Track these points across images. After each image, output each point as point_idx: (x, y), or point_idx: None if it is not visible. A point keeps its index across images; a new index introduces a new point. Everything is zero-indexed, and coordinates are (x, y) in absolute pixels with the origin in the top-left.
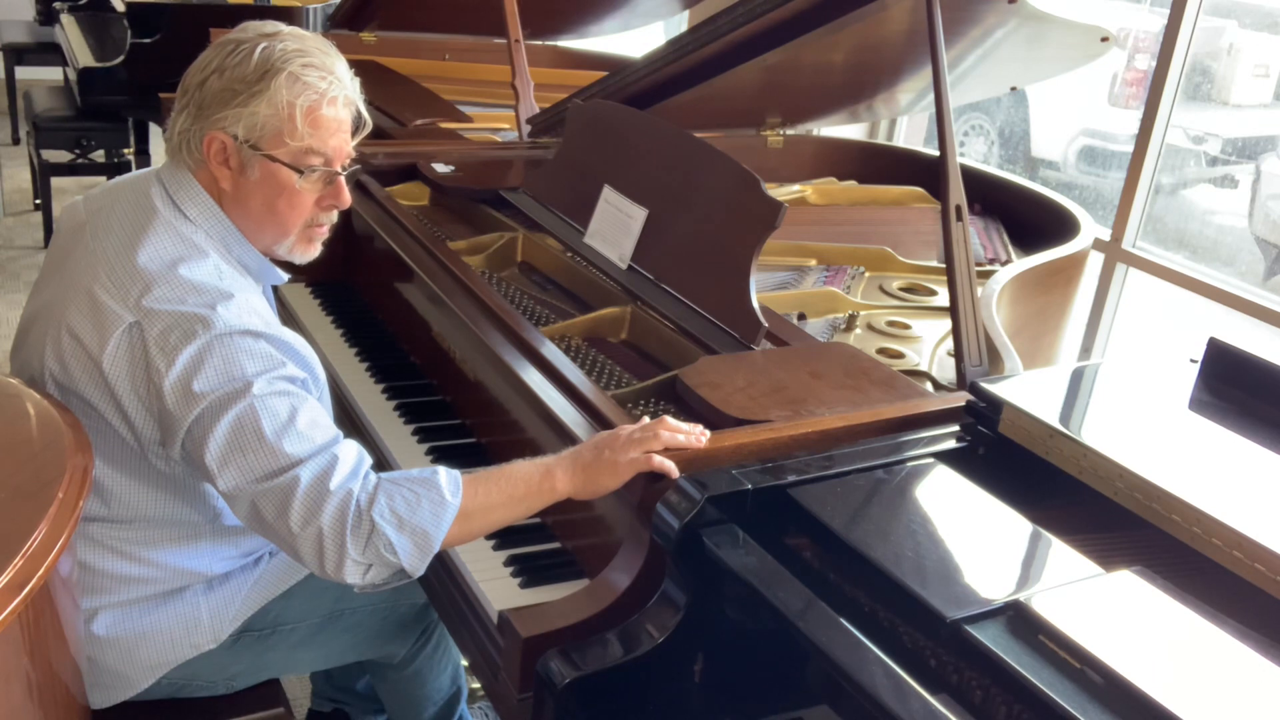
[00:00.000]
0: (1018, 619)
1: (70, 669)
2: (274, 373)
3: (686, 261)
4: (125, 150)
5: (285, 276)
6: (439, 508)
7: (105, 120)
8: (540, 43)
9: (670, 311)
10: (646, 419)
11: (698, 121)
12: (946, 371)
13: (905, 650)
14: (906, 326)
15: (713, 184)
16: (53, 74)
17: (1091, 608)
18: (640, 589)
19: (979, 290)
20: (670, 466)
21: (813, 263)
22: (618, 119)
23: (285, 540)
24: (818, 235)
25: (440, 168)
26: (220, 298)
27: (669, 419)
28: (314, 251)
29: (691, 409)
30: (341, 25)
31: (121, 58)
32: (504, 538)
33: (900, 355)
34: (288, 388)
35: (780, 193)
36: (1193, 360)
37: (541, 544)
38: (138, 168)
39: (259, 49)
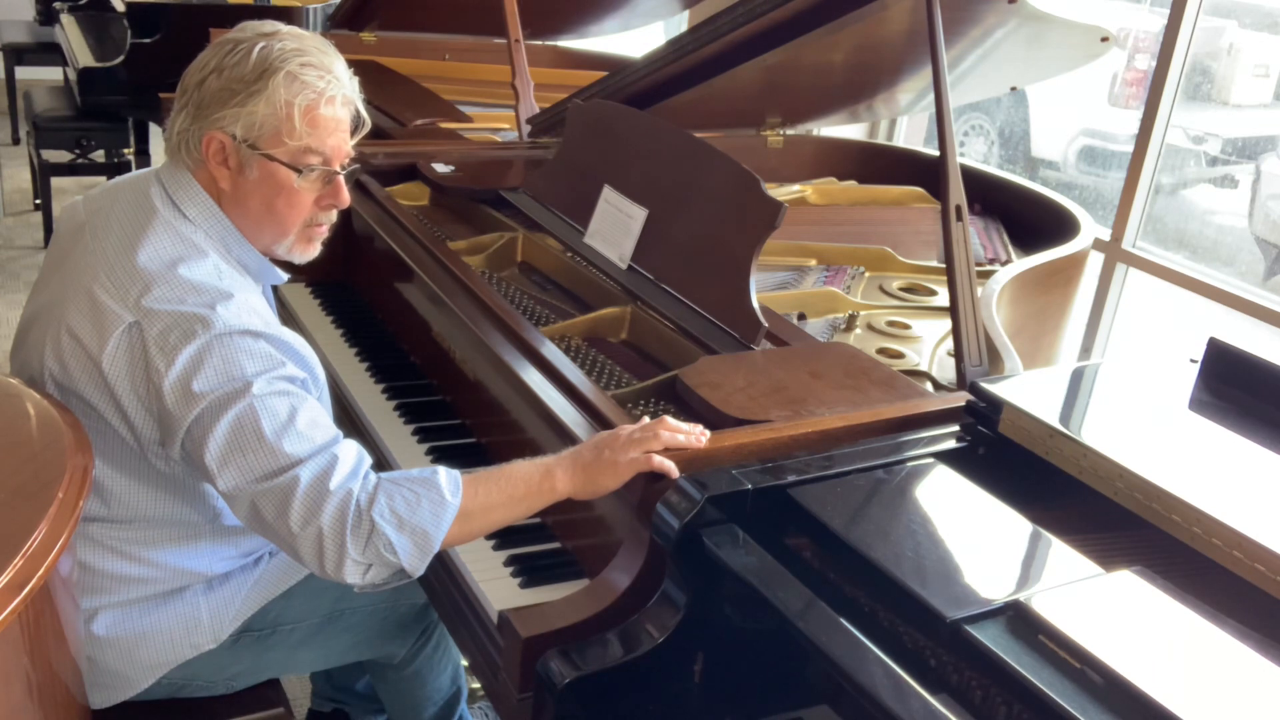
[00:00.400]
0: (1018, 619)
1: (70, 669)
2: (274, 373)
3: (686, 261)
4: (125, 150)
5: (285, 276)
6: (439, 508)
7: (105, 120)
8: (540, 43)
9: (670, 311)
10: (646, 419)
11: (698, 121)
12: (946, 371)
13: (905, 650)
14: (906, 326)
15: (713, 184)
16: (53, 74)
17: (1091, 608)
18: (640, 589)
19: (979, 290)
20: (670, 466)
21: (813, 263)
22: (618, 119)
23: (285, 540)
24: (818, 235)
25: (440, 168)
26: (220, 297)
27: (669, 419)
28: (313, 251)
29: (691, 409)
30: (341, 25)
31: (121, 58)
32: (504, 538)
33: (900, 355)
34: (287, 388)
35: (780, 193)
36: (1193, 360)
37: (541, 544)
38: (138, 168)
39: (257, 48)
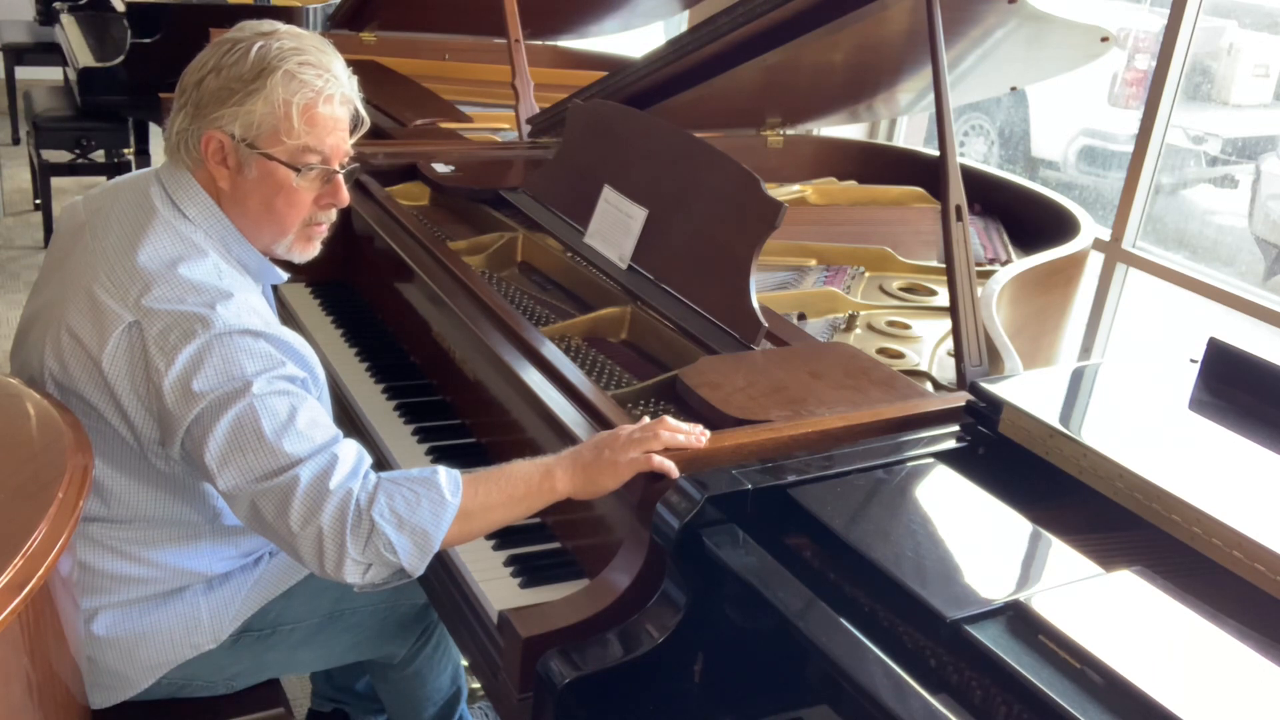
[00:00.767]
0: (1018, 619)
1: (70, 669)
2: (273, 372)
3: (686, 261)
4: (125, 150)
5: (285, 276)
6: (439, 507)
7: (105, 120)
8: (540, 43)
9: (670, 311)
10: (646, 419)
11: (698, 121)
12: (946, 371)
13: (905, 650)
14: (906, 326)
15: (713, 184)
16: (53, 74)
17: (1091, 608)
18: (640, 589)
19: (979, 290)
20: (670, 466)
21: (813, 263)
22: (618, 119)
23: (285, 540)
24: (818, 235)
25: (440, 168)
26: (220, 297)
27: (669, 419)
28: (313, 251)
29: (691, 409)
30: (341, 25)
31: (121, 58)
32: (504, 538)
33: (900, 355)
34: (287, 387)
35: (780, 193)
36: (1193, 360)
37: (541, 544)
38: (138, 168)
39: (255, 48)
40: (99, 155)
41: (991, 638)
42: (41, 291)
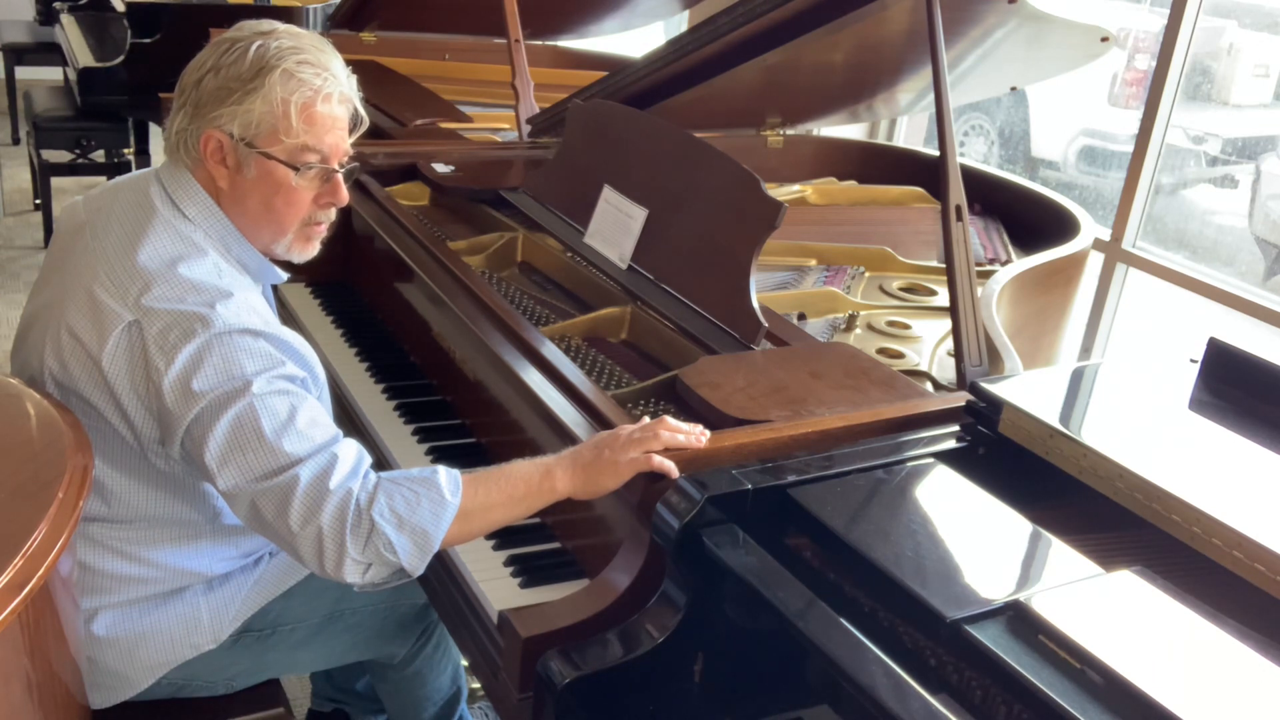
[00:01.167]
0: (1018, 619)
1: (70, 669)
2: (273, 372)
3: (686, 261)
4: (125, 150)
5: (284, 276)
6: (439, 507)
7: (105, 120)
8: (540, 43)
9: (670, 311)
10: (646, 419)
11: (698, 121)
12: (946, 371)
13: (905, 650)
14: (906, 326)
15: (713, 184)
16: (53, 74)
17: (1091, 608)
18: (640, 589)
19: (979, 290)
20: (670, 466)
21: (813, 263)
22: (618, 119)
23: (285, 539)
24: (818, 235)
25: (440, 168)
26: (219, 296)
27: (669, 419)
28: (312, 250)
29: (691, 409)
30: (341, 25)
31: (121, 58)
32: (504, 538)
33: (900, 355)
34: (287, 387)
35: (780, 193)
36: (1193, 360)
37: (541, 544)
38: (138, 168)
39: (254, 47)
40: (99, 155)
41: (991, 638)
42: (41, 291)
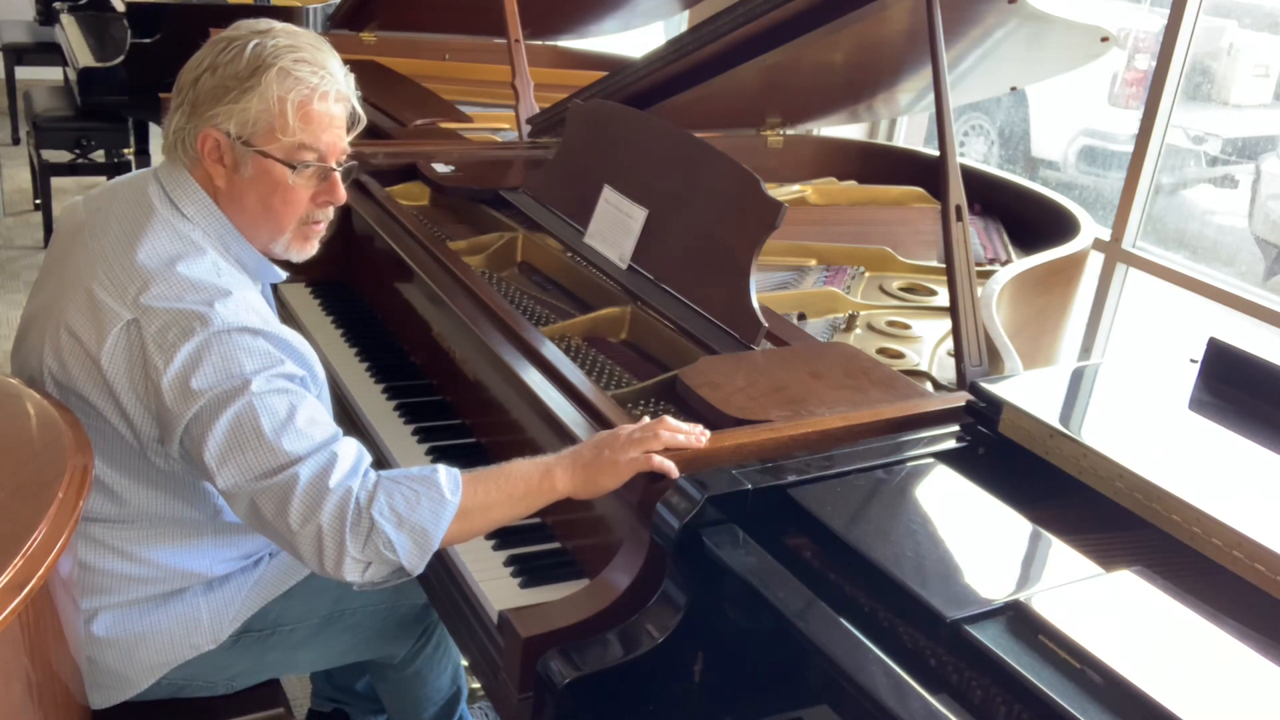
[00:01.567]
0: (1018, 619)
1: (70, 669)
2: (272, 370)
3: (686, 261)
4: (125, 150)
5: (283, 274)
6: (438, 506)
7: (105, 120)
8: (540, 43)
9: (670, 311)
10: (646, 419)
11: (698, 121)
12: (946, 371)
13: (905, 650)
14: (906, 326)
15: (713, 184)
16: (53, 74)
17: (1091, 608)
18: (640, 589)
19: (979, 290)
20: (670, 466)
21: (813, 263)
22: (618, 119)
23: (284, 538)
24: (818, 235)
25: (440, 168)
26: (218, 295)
27: (669, 419)
28: (310, 249)
29: (691, 409)
30: (341, 25)
31: (121, 58)
32: (504, 538)
33: (900, 355)
34: (286, 385)
35: (780, 193)
36: (1193, 360)
37: (541, 544)
38: (138, 168)
39: (251, 45)
40: (99, 155)
41: (991, 638)
42: (41, 291)
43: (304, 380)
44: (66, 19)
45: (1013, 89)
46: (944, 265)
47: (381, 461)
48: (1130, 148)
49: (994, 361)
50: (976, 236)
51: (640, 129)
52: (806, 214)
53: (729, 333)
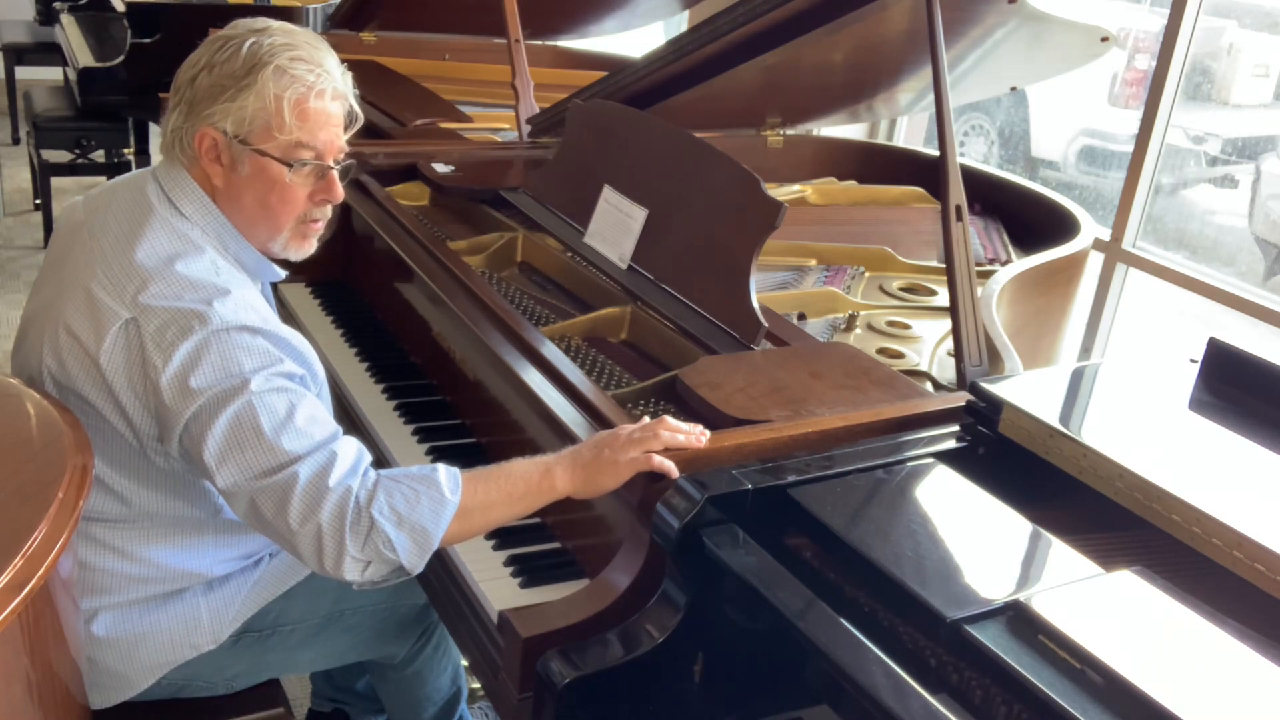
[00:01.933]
0: (1018, 619)
1: (70, 669)
2: (272, 369)
3: (686, 261)
4: (125, 150)
5: (283, 273)
6: (438, 505)
7: (105, 120)
8: (540, 43)
9: (670, 311)
10: (646, 419)
11: (698, 121)
12: (946, 371)
13: (905, 650)
14: (906, 326)
15: (713, 184)
16: (53, 74)
17: (1091, 608)
18: (640, 589)
19: (979, 290)
20: (670, 466)
21: (813, 263)
22: (618, 119)
23: (284, 537)
24: (818, 235)
25: (440, 168)
26: (217, 294)
27: (669, 419)
28: (309, 248)
29: (691, 409)
30: (341, 25)
31: (121, 58)
32: (504, 538)
33: (900, 355)
34: (286, 384)
35: (780, 193)
36: (1193, 360)
37: (541, 544)
38: (138, 167)
39: (247, 44)
40: (99, 155)
41: (991, 638)
42: (40, 291)
43: (303, 379)
44: (66, 19)
45: (1013, 89)
46: (944, 265)
47: (381, 461)
48: (1130, 148)
49: (994, 361)
50: (976, 236)
51: (640, 129)
52: (806, 214)
53: (729, 333)
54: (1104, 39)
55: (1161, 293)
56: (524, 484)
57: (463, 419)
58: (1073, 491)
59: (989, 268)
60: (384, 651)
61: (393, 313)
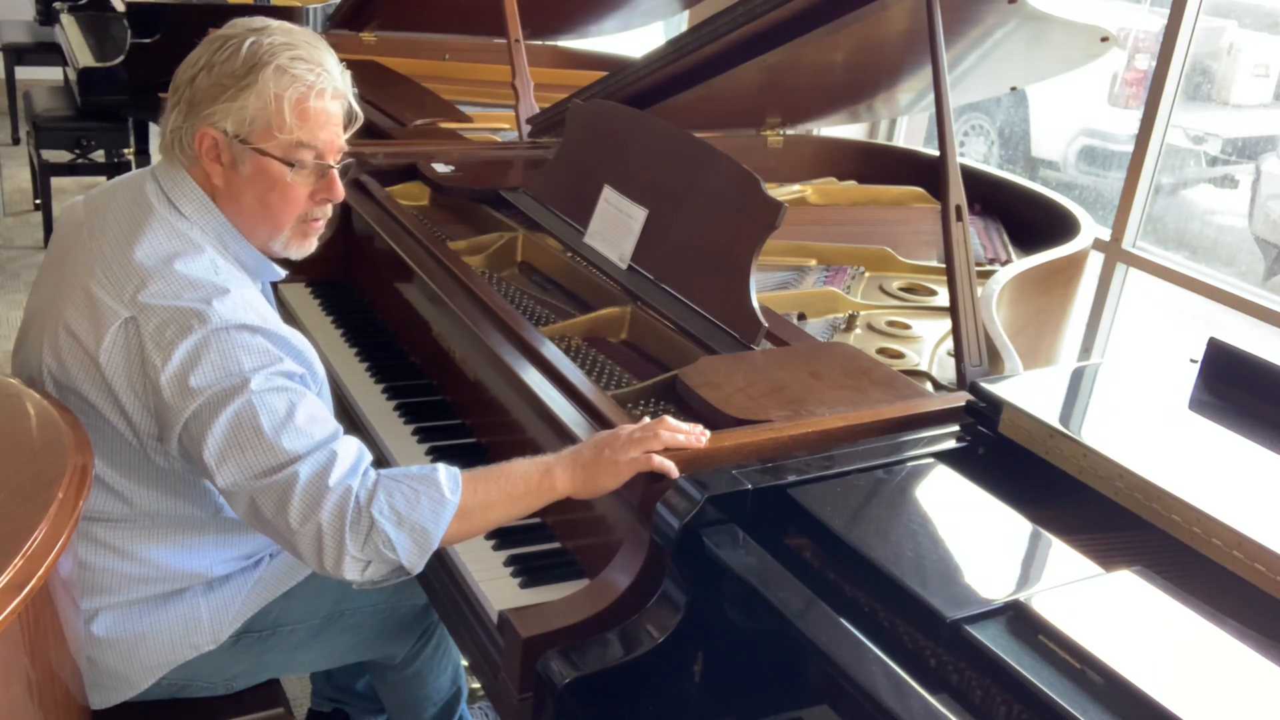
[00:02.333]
0: (1018, 619)
1: (70, 669)
2: (271, 368)
3: (686, 261)
4: (125, 150)
5: (283, 273)
6: (438, 505)
7: (105, 120)
8: (540, 43)
9: (670, 311)
10: (646, 419)
11: (698, 121)
12: (946, 371)
13: (905, 650)
14: (906, 326)
15: (713, 184)
16: (53, 74)
17: (1091, 608)
18: (640, 589)
19: (979, 290)
20: (670, 466)
21: (813, 263)
22: (618, 119)
23: (284, 536)
24: (818, 235)
25: (440, 168)
26: (216, 293)
27: (669, 419)
28: (310, 247)
29: (691, 409)
30: (341, 25)
31: (121, 58)
32: (504, 538)
33: (900, 355)
34: (286, 384)
35: (780, 193)
36: (1193, 360)
37: (541, 544)
38: (138, 167)
39: (247, 44)
40: (99, 155)
41: (991, 638)
42: (40, 291)
43: (303, 378)
44: (66, 19)
45: (1013, 89)
46: (944, 265)
47: (381, 461)
48: (1130, 148)
49: (994, 361)
50: (976, 236)
51: (640, 129)
52: (806, 214)
53: (729, 333)
54: (1104, 39)
55: (1161, 293)
56: (524, 484)
57: (463, 419)
58: (1073, 491)
59: (989, 268)
60: (384, 651)
61: (393, 313)
